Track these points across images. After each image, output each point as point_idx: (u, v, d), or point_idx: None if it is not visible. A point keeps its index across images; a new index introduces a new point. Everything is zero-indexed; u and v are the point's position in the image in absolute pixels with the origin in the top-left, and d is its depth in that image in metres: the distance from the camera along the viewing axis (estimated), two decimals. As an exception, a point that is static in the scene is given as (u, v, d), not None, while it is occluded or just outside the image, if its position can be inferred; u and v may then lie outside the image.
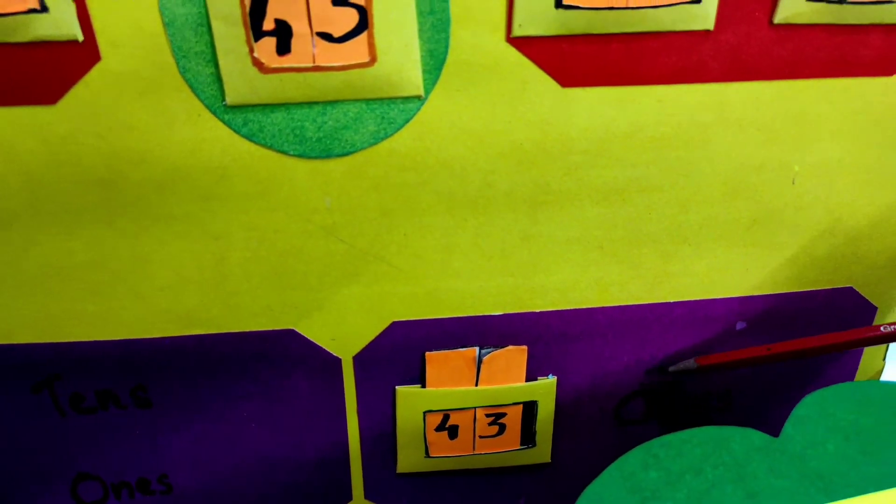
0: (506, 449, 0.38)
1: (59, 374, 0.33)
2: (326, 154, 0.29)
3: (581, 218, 0.32)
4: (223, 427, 0.35)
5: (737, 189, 0.32)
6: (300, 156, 0.29)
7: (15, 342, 0.32)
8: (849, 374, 0.39)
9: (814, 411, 0.31)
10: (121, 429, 0.35)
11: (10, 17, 0.25)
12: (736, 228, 0.33)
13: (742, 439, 0.31)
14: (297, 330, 0.33)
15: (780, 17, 0.28)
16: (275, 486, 0.37)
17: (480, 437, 0.37)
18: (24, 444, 0.35)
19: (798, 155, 0.32)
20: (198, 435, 0.36)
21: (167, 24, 0.26)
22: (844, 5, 0.28)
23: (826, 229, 0.34)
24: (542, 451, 0.38)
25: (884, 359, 0.39)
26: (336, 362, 0.34)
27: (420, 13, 0.27)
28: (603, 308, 0.35)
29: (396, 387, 0.35)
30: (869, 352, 0.39)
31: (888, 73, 0.31)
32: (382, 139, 0.29)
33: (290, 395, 0.35)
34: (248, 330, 0.33)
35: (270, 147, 0.28)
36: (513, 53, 0.28)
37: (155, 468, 0.36)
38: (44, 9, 0.25)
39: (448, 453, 0.37)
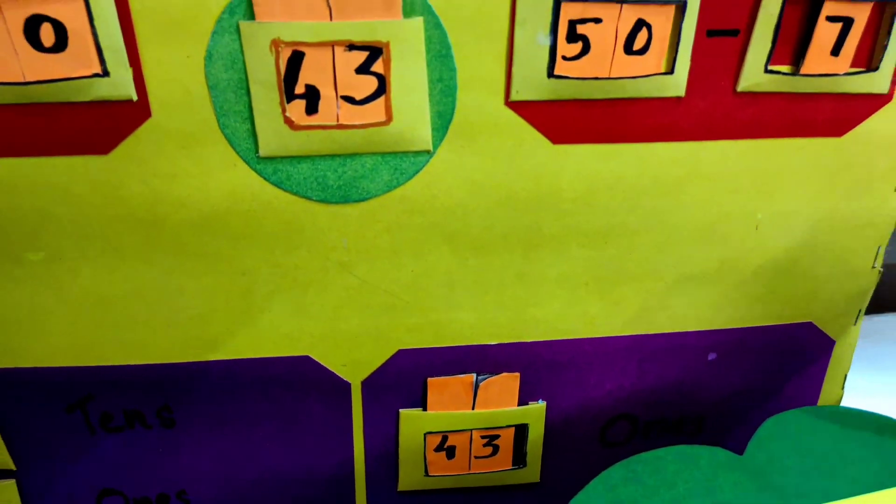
0: (499, 469, 0.40)
1: (92, 394, 0.35)
2: (345, 200, 0.31)
3: (569, 258, 0.34)
4: (241, 445, 0.37)
5: (707, 234, 0.34)
6: (322, 201, 0.31)
7: (56, 365, 0.34)
8: (811, 401, 0.41)
9: (775, 432, 0.33)
10: (145, 447, 0.37)
11: (76, 81, 0.27)
12: (706, 269, 0.36)
13: (710, 456, 0.32)
14: (312, 356, 0.35)
15: (742, 85, 0.31)
16: (286, 501, 0.39)
17: (476, 457, 0.39)
18: (55, 459, 0.37)
19: (761, 204, 0.34)
20: (217, 453, 0.37)
21: (211, 87, 0.28)
22: (798, 77, 0.31)
23: (787, 270, 0.36)
24: (532, 472, 0.40)
25: (842, 387, 0.42)
26: (346, 386, 0.36)
27: (431, 80, 0.29)
28: (589, 339, 0.37)
29: (400, 409, 0.37)
30: (829, 381, 0.41)
31: (838, 134, 0.33)
32: (395, 187, 0.31)
33: (304, 417, 0.37)
34: (268, 356, 0.35)
35: (296, 193, 0.31)
36: (510, 115, 0.30)
37: (175, 484, 0.38)
38: (105, 73, 0.27)
39: (446, 472, 0.39)
